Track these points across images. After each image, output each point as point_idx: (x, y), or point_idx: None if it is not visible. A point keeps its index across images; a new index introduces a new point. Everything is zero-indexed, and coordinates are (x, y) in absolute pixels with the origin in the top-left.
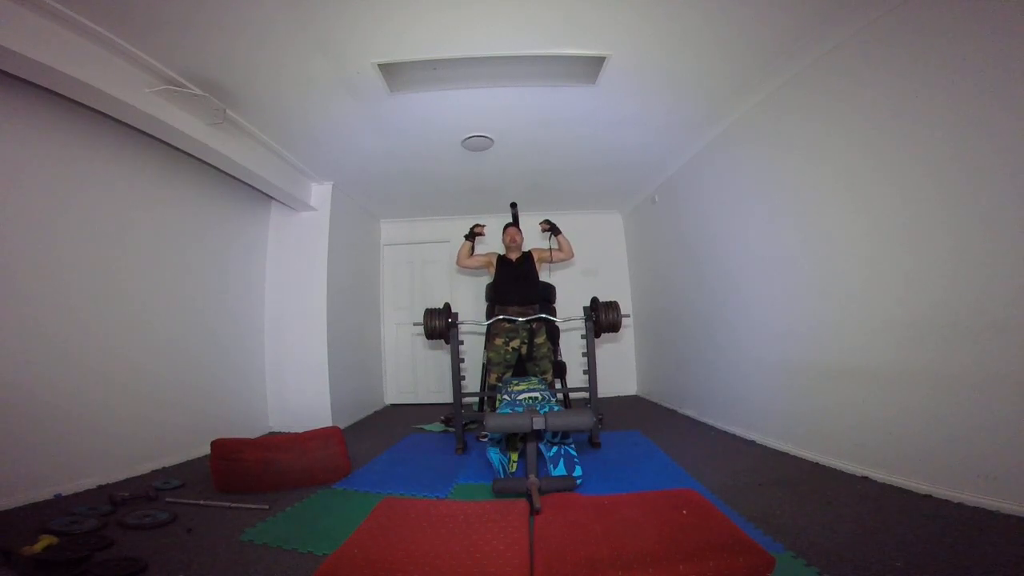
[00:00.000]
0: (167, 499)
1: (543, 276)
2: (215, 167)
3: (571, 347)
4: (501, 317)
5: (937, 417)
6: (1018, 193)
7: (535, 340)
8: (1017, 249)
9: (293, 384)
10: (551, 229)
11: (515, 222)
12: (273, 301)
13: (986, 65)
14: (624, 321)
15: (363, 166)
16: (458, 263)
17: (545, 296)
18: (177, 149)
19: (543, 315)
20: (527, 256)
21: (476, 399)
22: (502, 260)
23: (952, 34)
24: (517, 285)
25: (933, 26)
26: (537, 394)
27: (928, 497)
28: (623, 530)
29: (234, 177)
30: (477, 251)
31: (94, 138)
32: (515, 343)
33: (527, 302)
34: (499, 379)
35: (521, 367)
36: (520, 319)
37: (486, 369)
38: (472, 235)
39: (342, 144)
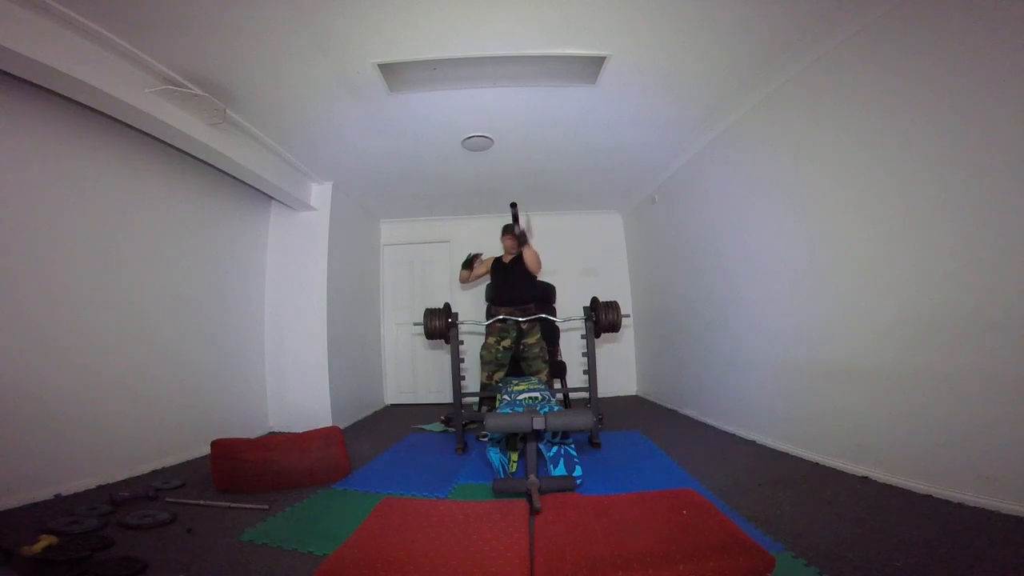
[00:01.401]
0: (167, 499)
1: (543, 277)
2: (215, 167)
3: (571, 347)
4: (498, 317)
5: (937, 417)
6: (1019, 193)
7: (525, 340)
8: (1018, 249)
9: (293, 384)
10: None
11: (515, 222)
12: (273, 301)
13: (986, 65)
14: (624, 321)
15: (363, 166)
16: (461, 282)
17: (544, 296)
18: (177, 149)
19: (540, 315)
20: (519, 257)
21: (476, 399)
22: (496, 262)
23: (952, 34)
24: (509, 286)
25: (933, 26)
26: (537, 394)
27: (928, 497)
28: (623, 530)
29: (234, 177)
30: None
31: (94, 138)
32: (506, 342)
33: (519, 302)
34: (490, 377)
35: (516, 367)
36: (512, 319)
37: None
38: (470, 264)
39: (342, 144)
